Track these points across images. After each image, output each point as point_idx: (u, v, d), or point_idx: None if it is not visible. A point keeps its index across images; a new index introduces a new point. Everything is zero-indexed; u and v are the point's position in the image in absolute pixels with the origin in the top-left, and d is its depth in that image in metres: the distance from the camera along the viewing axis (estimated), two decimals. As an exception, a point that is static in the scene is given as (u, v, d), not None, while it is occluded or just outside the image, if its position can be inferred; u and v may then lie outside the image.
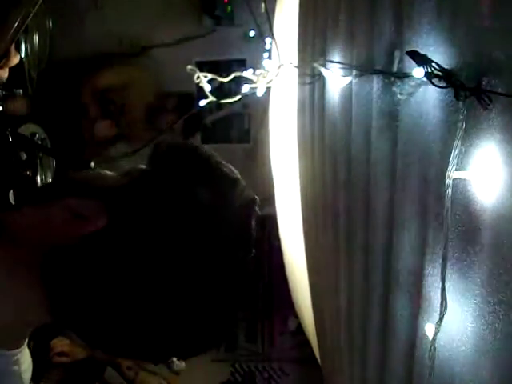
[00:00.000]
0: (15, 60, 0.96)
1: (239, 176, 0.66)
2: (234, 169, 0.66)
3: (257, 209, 0.66)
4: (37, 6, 0.94)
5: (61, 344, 1.73)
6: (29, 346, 0.66)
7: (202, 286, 0.59)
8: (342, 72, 1.12)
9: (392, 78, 0.86)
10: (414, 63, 0.68)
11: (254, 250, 0.65)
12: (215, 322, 0.62)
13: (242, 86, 1.85)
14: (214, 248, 0.59)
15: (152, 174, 0.63)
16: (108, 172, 0.67)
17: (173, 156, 0.65)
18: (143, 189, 0.61)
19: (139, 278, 0.57)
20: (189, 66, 1.86)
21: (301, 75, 1.58)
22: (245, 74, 1.86)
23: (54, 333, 1.73)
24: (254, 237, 0.65)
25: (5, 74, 0.94)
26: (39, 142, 1.93)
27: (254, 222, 0.65)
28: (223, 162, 0.66)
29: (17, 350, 0.62)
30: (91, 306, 0.58)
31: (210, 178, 0.63)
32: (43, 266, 0.58)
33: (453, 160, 0.62)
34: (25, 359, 0.65)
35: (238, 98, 1.92)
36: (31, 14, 0.94)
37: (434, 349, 0.67)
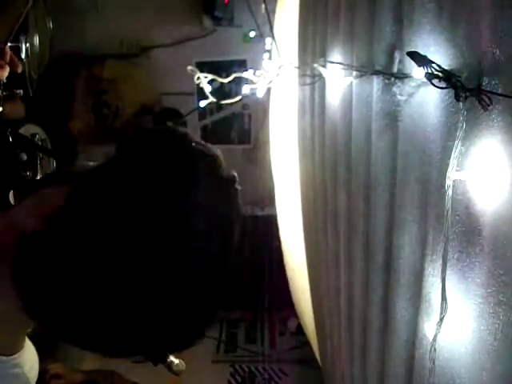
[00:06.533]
0: (18, 67, 0.94)
1: (216, 153, 0.62)
2: (211, 147, 0.63)
3: (237, 187, 0.62)
4: (28, 6, 0.94)
5: (55, 367, 1.75)
6: None
7: (177, 271, 0.55)
8: (342, 73, 1.12)
9: (392, 79, 0.86)
10: (414, 64, 0.68)
11: (237, 234, 0.61)
12: (195, 309, 0.58)
13: (242, 86, 1.85)
14: (189, 232, 0.55)
15: (120, 158, 0.61)
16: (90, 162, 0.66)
17: (140, 139, 0.62)
18: (109, 171, 0.59)
19: (107, 268, 0.54)
20: (189, 67, 1.86)
21: (301, 76, 1.58)
22: (245, 74, 1.86)
23: (46, 356, 1.74)
24: (236, 218, 0.61)
25: (4, 73, 0.93)
26: (39, 143, 1.93)
27: (235, 202, 0.61)
28: (199, 141, 0.62)
29: (15, 355, 0.61)
30: (62, 303, 0.56)
31: (183, 158, 0.59)
32: (13, 269, 0.56)
33: (453, 161, 0.62)
34: (27, 359, 0.64)
35: (238, 98, 1.92)
36: (24, 14, 0.94)
37: (435, 349, 0.67)
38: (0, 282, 0.57)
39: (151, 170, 0.57)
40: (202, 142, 0.63)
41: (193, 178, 0.58)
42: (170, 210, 0.55)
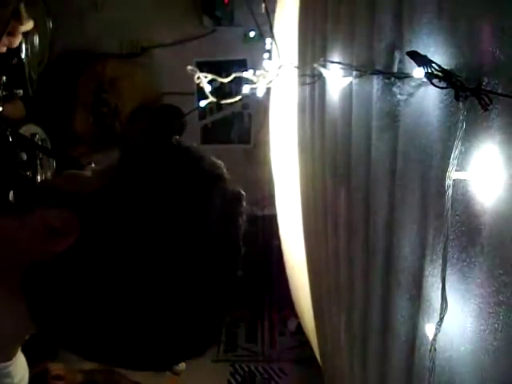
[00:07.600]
0: (29, 25, 0.92)
1: (223, 170, 0.62)
2: (218, 162, 0.62)
3: (243, 204, 0.62)
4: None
5: (56, 367, 1.75)
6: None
7: (185, 289, 0.56)
8: (342, 72, 1.12)
9: (392, 79, 0.86)
10: (414, 64, 0.68)
11: (242, 250, 0.62)
12: (203, 323, 0.60)
13: (242, 86, 1.85)
14: (197, 250, 0.56)
15: (124, 174, 0.59)
16: (83, 173, 0.64)
17: (146, 154, 0.61)
18: (115, 194, 0.58)
19: (120, 285, 0.55)
20: (189, 67, 1.85)
21: (301, 76, 1.58)
22: (245, 74, 1.86)
23: (47, 356, 1.75)
24: (240, 235, 0.61)
25: (17, 40, 0.90)
26: (39, 143, 1.93)
27: (240, 219, 0.61)
28: (206, 157, 0.61)
29: (8, 363, 0.60)
30: (73, 317, 0.57)
31: (188, 176, 0.58)
32: (24, 278, 0.56)
33: (453, 160, 0.62)
34: (18, 370, 0.63)
35: (238, 98, 1.92)
36: (21, 10, 0.93)
37: (435, 349, 0.67)
38: (6, 288, 0.57)
39: (165, 194, 0.57)
40: (207, 156, 0.63)
41: (208, 202, 0.58)
42: (185, 236, 0.56)
